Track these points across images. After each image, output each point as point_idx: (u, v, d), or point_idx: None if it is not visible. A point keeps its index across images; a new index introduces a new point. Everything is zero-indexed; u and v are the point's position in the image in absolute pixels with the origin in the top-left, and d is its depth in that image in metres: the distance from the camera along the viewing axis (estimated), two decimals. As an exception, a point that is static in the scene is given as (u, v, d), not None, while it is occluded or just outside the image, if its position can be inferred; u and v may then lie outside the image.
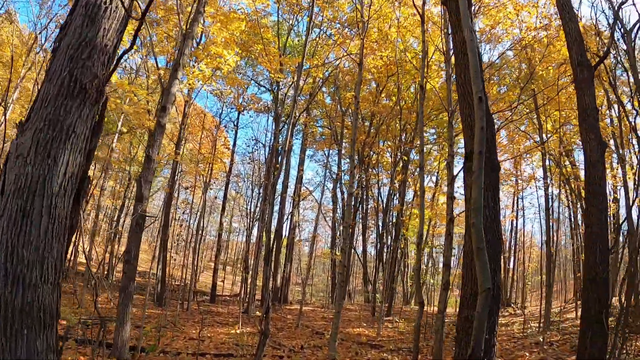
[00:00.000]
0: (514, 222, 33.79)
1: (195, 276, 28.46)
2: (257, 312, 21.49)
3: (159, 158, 21.77)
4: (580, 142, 9.27)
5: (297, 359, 10.81)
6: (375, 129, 26.14)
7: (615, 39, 11.20)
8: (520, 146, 26.59)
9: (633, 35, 10.83)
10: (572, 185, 25.10)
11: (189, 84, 15.58)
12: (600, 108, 21.28)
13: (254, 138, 36.66)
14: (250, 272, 21.01)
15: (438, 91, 23.62)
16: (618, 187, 25.87)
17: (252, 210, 25.80)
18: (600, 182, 8.07)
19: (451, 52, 11.24)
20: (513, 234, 33.65)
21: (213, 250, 44.16)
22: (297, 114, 24.21)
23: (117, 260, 24.76)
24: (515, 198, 33.15)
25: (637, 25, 10.66)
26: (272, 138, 21.54)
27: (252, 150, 27.39)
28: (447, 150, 32.45)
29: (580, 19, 12.68)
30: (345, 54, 19.91)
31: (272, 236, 25.79)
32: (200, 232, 30.76)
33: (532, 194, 74.54)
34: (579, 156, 27.86)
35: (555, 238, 40.94)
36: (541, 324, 17.42)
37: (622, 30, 11.19)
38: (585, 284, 7.87)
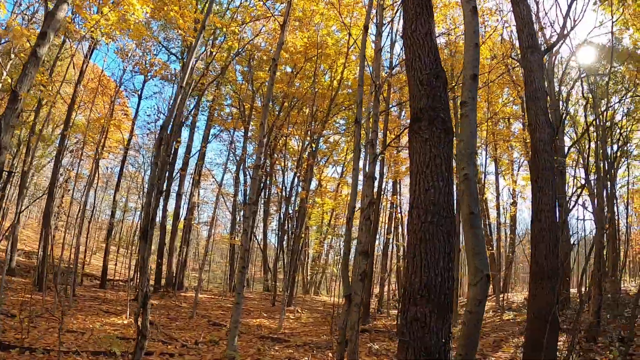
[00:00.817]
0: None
1: (84, 258, 25.77)
2: (150, 300, 19.40)
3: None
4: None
5: (190, 358, 9.07)
6: (286, 113, 24.67)
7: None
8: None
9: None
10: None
11: (90, 35, 13.29)
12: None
13: (156, 107, 33.54)
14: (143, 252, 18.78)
15: (351, 83, 22.96)
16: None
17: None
18: (551, 167, 7.13)
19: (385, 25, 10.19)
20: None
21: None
22: (205, 85, 22.18)
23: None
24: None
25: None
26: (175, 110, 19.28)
27: (152, 120, 24.61)
28: (350, 145, 32.34)
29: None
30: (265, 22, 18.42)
31: (162, 214, 23.69)
32: (92, 209, 27.96)
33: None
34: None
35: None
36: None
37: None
38: (534, 278, 6.90)
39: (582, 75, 14.70)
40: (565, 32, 10.36)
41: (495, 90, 20.24)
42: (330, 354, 9.77)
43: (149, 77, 23.73)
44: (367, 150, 9.28)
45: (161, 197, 22.78)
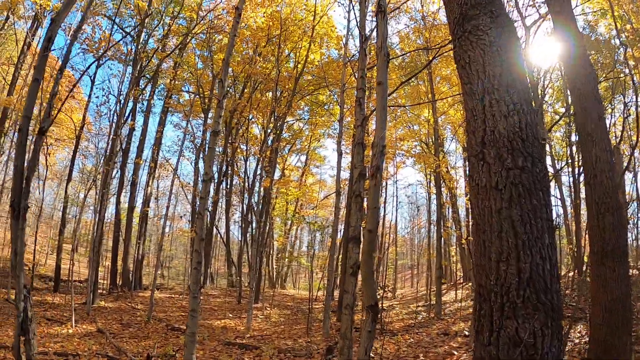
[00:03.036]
0: (382, 208, 31.60)
1: (33, 259, 22.73)
2: (102, 303, 16.78)
3: None
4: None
5: (134, 380, 6.73)
6: (248, 96, 22.30)
7: None
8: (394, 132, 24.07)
9: None
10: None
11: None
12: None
13: (107, 89, 30.33)
14: (92, 253, 16.11)
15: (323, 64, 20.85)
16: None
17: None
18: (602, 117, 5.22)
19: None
20: (381, 218, 31.58)
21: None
22: (160, 60, 19.61)
23: None
24: (385, 183, 31.05)
25: None
26: (127, 91, 16.58)
27: (102, 101, 21.57)
28: (316, 132, 30.27)
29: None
30: None
31: (116, 207, 21.02)
32: (41, 204, 24.87)
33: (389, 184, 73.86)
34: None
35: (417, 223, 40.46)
36: (430, 308, 14.77)
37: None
38: (599, 260, 4.88)
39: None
40: None
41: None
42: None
43: (102, 59, 20.88)
44: (355, 111, 7.14)
45: (112, 188, 20.13)
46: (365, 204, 6.37)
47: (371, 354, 8.12)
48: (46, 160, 22.43)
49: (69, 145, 24.23)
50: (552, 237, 2.62)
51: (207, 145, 24.45)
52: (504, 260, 2.58)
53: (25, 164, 4.81)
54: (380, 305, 12.12)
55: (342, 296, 14.25)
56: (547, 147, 14.35)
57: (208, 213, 26.90)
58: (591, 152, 5.27)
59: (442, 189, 19.70)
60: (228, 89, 25.70)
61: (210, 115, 26.45)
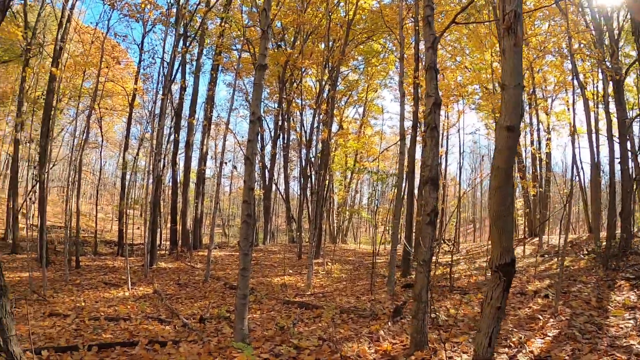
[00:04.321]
0: (442, 159, 30.03)
1: (96, 225, 22.97)
2: (162, 264, 16.50)
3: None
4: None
5: (186, 349, 5.95)
6: (300, 46, 21.12)
7: None
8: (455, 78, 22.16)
9: None
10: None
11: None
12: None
13: (152, 51, 29.87)
14: (149, 215, 15.72)
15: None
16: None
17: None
18: None
19: None
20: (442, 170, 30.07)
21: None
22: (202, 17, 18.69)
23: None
24: (445, 133, 29.37)
25: None
26: (172, 49, 15.79)
27: (148, 63, 20.97)
28: (373, 83, 28.76)
29: None
30: None
31: (172, 167, 20.66)
32: (99, 172, 25.02)
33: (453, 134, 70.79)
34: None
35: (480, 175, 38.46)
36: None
37: None
38: None
39: None
40: None
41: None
42: (377, 327, 6.59)
43: (148, 27, 20.21)
44: (423, 31, 5.90)
45: (167, 151, 19.70)
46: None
47: (443, 315, 7.07)
48: (101, 129, 22.30)
49: (125, 114, 24.09)
50: None
51: (262, 101, 23.73)
52: None
53: None
54: (450, 260, 11.02)
55: (409, 251, 13.27)
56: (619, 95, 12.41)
57: (266, 169, 26.31)
58: None
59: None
60: (279, 43, 24.66)
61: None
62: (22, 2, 18.54)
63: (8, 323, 3.68)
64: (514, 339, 5.42)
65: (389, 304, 8.62)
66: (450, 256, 12.66)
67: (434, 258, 13.56)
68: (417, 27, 14.62)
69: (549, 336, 5.62)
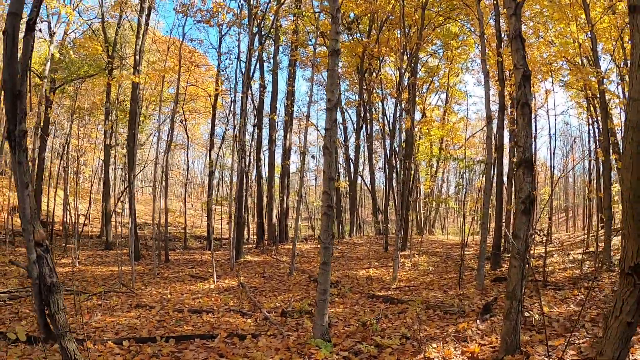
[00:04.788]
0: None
1: (185, 221, 23.89)
2: (248, 257, 16.79)
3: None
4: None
5: (265, 343, 5.88)
6: (376, 35, 20.65)
7: None
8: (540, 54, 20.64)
9: None
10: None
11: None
12: None
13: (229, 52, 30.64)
14: (234, 210, 16.03)
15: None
16: None
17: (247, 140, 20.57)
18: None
19: None
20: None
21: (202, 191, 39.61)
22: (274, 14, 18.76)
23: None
24: (534, 114, 27.62)
25: None
26: (248, 48, 15.91)
27: (226, 65, 21.47)
28: (454, 67, 27.63)
29: None
30: None
31: (256, 162, 21.01)
32: (187, 170, 25.96)
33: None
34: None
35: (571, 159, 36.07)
36: (596, 256, 12.35)
37: None
38: None
39: None
40: None
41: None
42: (465, 325, 6.17)
43: (223, 30, 20.64)
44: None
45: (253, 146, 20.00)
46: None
47: (536, 314, 6.47)
48: (186, 131, 23.13)
49: (209, 116, 24.96)
50: None
51: (342, 94, 23.45)
52: None
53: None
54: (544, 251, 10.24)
55: (499, 243, 12.53)
56: None
57: (351, 161, 26.12)
58: None
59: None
60: (354, 33, 24.33)
61: (339, 64, 25.28)
62: (101, 20, 19.76)
63: (61, 319, 3.70)
64: None
65: (478, 300, 8.12)
66: (542, 247, 11.79)
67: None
68: (495, 2, 13.77)
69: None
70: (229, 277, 12.76)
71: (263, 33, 19.91)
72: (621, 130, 20.87)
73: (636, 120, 2.51)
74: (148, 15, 17.41)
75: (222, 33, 20.61)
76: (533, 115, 26.67)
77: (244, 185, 18.61)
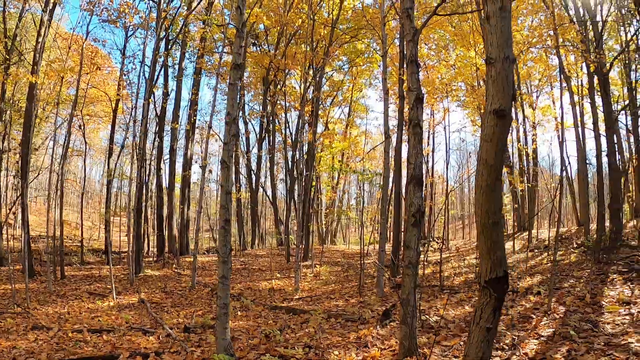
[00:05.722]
0: (429, 156, 29.93)
1: (81, 234, 22.47)
2: (149, 271, 16.14)
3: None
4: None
5: (166, 360, 5.70)
6: (283, 48, 20.85)
7: None
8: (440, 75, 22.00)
9: None
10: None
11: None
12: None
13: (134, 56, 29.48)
14: (133, 222, 15.37)
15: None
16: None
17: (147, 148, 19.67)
18: None
19: None
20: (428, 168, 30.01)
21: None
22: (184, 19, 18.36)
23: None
24: (431, 131, 29.30)
25: None
26: (153, 53, 15.43)
27: (129, 69, 20.55)
28: (358, 82, 28.51)
29: None
30: None
31: (156, 173, 20.31)
32: (83, 179, 24.49)
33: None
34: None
35: (466, 172, 38.49)
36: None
37: None
38: None
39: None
40: None
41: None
42: (366, 332, 6.35)
43: (129, 32, 19.77)
44: (404, 24, 5.64)
45: (153, 154, 19.33)
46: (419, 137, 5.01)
47: (433, 317, 6.83)
48: (84, 136, 21.89)
49: (110, 121, 23.70)
50: None
51: (246, 104, 23.35)
52: None
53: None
54: (440, 258, 10.80)
55: (398, 251, 13.04)
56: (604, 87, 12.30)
57: (253, 172, 26.01)
58: None
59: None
60: (262, 44, 24.42)
61: (245, 75, 25.23)
62: (2, 9, 18.06)
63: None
64: (506, 341, 5.20)
65: (378, 307, 8.38)
66: (439, 254, 12.47)
67: (422, 257, 13.30)
68: (402, 24, 14.41)
69: (543, 336, 5.40)
70: (129, 293, 12.17)
71: (170, 38, 19.35)
72: (512, 146, 22.66)
73: (485, 158, 2.72)
74: (52, 11, 16.31)
75: (128, 35, 19.80)
76: (432, 132, 28.26)
77: (144, 196, 17.89)
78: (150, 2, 17.58)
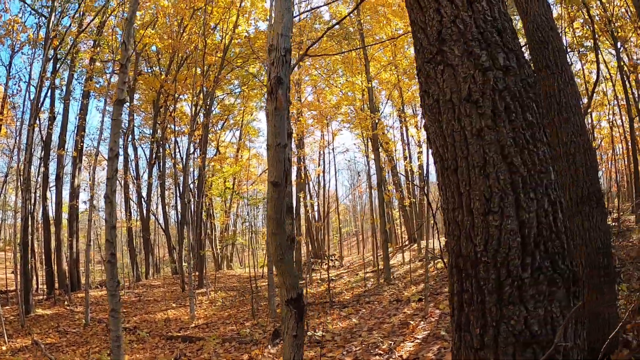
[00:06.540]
0: (321, 177, 30.92)
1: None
2: (40, 310, 15.20)
3: None
4: None
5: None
6: (175, 71, 20.75)
7: None
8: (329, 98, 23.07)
9: None
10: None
11: None
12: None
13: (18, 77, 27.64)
14: (19, 257, 14.47)
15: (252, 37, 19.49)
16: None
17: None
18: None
19: None
20: (320, 187, 31.00)
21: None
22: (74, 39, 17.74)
23: None
24: (322, 152, 30.42)
25: None
26: (40, 75, 14.72)
27: (14, 91, 19.17)
28: (249, 106, 28.93)
29: None
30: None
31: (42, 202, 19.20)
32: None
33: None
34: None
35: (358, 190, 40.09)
36: (379, 273, 14.18)
37: None
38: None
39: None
40: None
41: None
42: (257, 352, 6.68)
43: (16, 47, 18.51)
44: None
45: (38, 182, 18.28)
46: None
47: (321, 332, 7.30)
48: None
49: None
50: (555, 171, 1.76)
51: (135, 127, 22.86)
52: (495, 211, 1.69)
53: None
54: (328, 276, 11.37)
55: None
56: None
57: (143, 199, 25.35)
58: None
59: (380, 153, 19.04)
60: (153, 67, 24.12)
61: (136, 97, 24.71)
62: None
63: None
64: (384, 347, 5.76)
65: (271, 327, 8.72)
66: (334, 270, 13.10)
67: (317, 276, 13.81)
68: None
69: (418, 339, 6.05)
70: (21, 335, 11.44)
71: (59, 57, 18.47)
72: (399, 164, 24.06)
73: (270, 214, 3.33)
74: None
75: (15, 50, 18.49)
76: (322, 152, 29.28)
77: (30, 228, 16.87)
78: (41, 17, 16.78)
